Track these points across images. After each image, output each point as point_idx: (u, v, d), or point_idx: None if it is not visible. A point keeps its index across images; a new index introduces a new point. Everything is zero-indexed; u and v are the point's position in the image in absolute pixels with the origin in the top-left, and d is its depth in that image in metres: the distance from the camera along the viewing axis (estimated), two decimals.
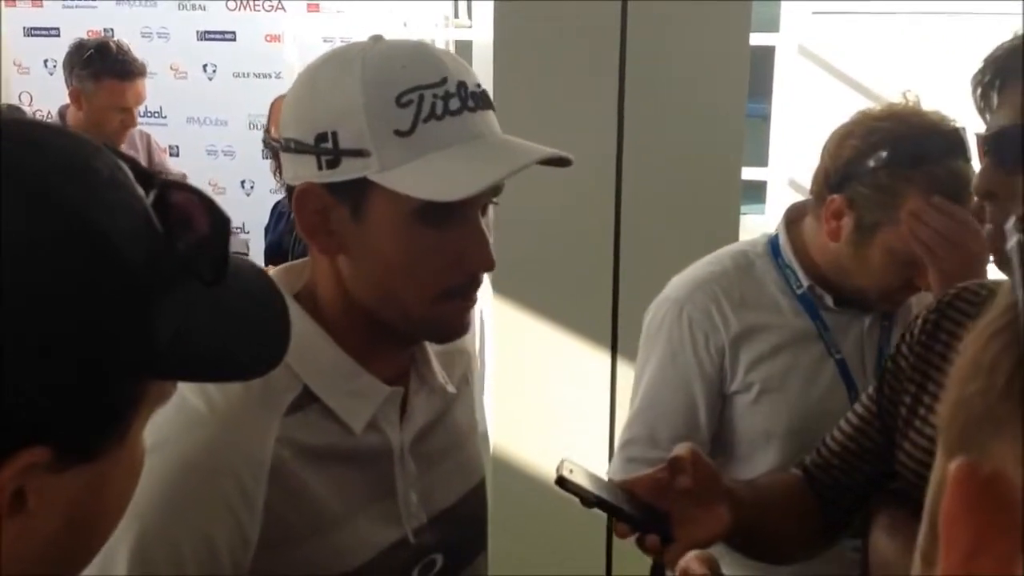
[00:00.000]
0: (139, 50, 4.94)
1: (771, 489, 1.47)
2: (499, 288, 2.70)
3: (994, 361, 0.47)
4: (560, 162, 1.06)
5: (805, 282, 1.68)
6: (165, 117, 5.00)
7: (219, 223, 0.63)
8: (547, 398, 2.77)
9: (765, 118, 4.76)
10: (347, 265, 1.07)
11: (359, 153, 1.00)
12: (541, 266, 2.69)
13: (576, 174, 2.64)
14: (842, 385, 1.65)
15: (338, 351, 1.09)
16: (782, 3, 4.57)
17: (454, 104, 1.01)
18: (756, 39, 4.32)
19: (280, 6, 4.95)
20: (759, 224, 4.47)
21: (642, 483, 1.27)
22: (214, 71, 4.99)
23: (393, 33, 5.37)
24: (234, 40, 4.96)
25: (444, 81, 1.01)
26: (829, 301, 1.68)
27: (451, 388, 1.22)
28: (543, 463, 2.64)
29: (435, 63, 1.03)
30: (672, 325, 1.69)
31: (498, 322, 2.72)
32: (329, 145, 1.01)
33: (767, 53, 4.56)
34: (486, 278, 2.99)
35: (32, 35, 4.98)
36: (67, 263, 0.56)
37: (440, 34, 5.01)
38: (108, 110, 3.29)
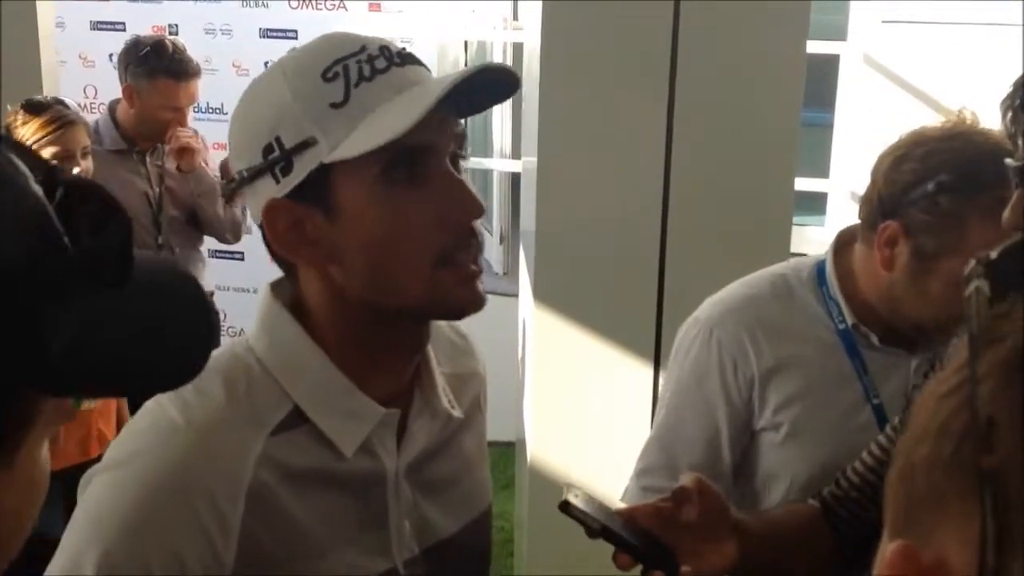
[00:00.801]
0: (202, 46, 5.00)
1: (784, 521, 1.40)
2: (540, 295, 2.66)
3: (943, 426, 0.42)
4: (506, 87, 1.02)
5: (849, 319, 1.56)
6: (226, 114, 5.04)
7: (119, 222, 0.59)
8: (587, 408, 2.72)
9: (827, 128, 4.66)
10: (336, 269, 1.02)
11: (305, 144, 0.97)
12: (584, 273, 2.64)
13: (623, 180, 2.63)
14: (877, 432, 1.52)
15: (331, 367, 1.04)
16: (850, 12, 4.47)
17: (380, 63, 0.98)
18: (820, 47, 4.26)
19: (342, 5, 4.96)
20: (819, 236, 4.38)
21: (645, 513, 1.21)
22: None
23: (453, 34, 5.37)
24: (296, 39, 4.97)
25: (363, 48, 0.99)
26: (875, 340, 1.56)
27: (457, 413, 1.15)
28: (581, 473, 2.60)
29: (351, 37, 1.01)
30: (701, 349, 1.59)
31: (539, 329, 2.68)
32: (277, 153, 0.98)
33: (831, 62, 4.46)
34: (528, 285, 2.94)
35: (98, 29, 5.04)
36: None
37: (498, 36, 4.99)
38: (160, 109, 3.29)
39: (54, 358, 0.55)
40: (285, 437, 1.01)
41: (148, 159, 3.33)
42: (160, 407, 0.99)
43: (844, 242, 1.62)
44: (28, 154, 0.58)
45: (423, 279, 1.00)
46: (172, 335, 0.64)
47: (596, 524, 1.14)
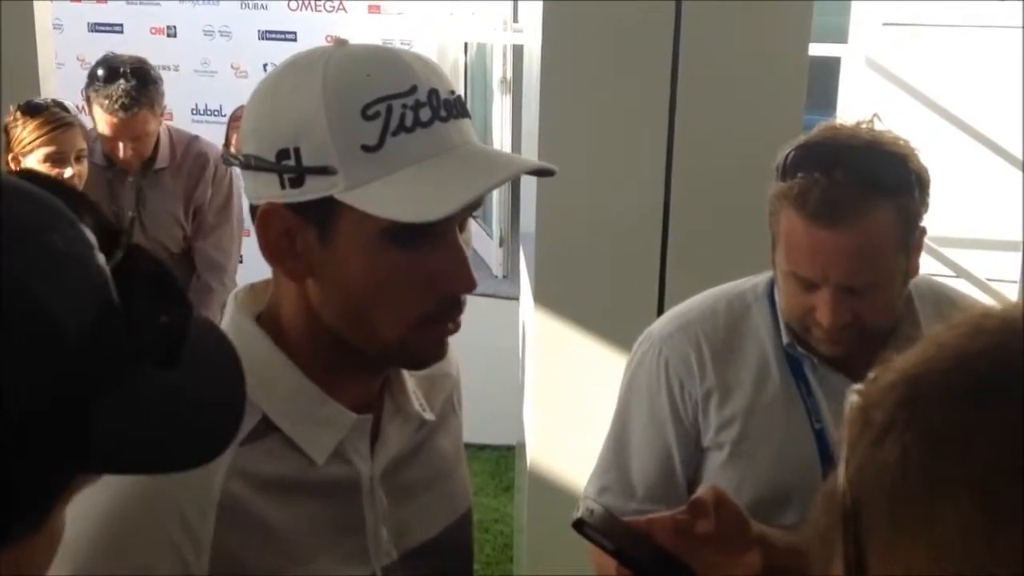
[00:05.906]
0: (201, 48, 5.00)
1: None
2: (540, 297, 2.64)
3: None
4: (543, 172, 0.99)
5: (785, 338, 1.49)
6: (224, 116, 5.02)
7: (176, 300, 0.58)
8: (588, 411, 2.70)
9: None
10: (315, 289, 1.00)
11: (323, 171, 0.93)
12: (585, 276, 2.62)
13: (623, 182, 2.61)
14: (817, 457, 1.46)
15: (300, 377, 1.03)
16: (851, 14, 4.46)
17: (425, 114, 0.94)
18: (821, 50, 4.24)
19: (341, 7, 4.96)
20: None
21: (662, 525, 1.14)
22: None
23: (453, 36, 5.36)
24: (295, 40, 4.97)
25: (414, 90, 0.94)
26: (815, 360, 1.48)
27: (429, 415, 1.14)
28: (581, 477, 2.58)
29: (403, 70, 0.96)
30: (651, 366, 1.56)
31: (539, 332, 2.66)
32: (291, 162, 0.94)
33: (833, 64, 4.45)
34: (528, 288, 2.91)
35: (96, 31, 5.04)
36: (2, 343, 0.51)
37: (498, 37, 4.98)
38: (99, 131, 3.13)
39: (96, 440, 0.56)
40: (255, 446, 1.00)
41: (128, 179, 3.19)
42: None
43: None
44: (93, 213, 0.58)
45: (399, 333, 0.99)
46: (209, 411, 0.64)
47: (610, 547, 1.09)
